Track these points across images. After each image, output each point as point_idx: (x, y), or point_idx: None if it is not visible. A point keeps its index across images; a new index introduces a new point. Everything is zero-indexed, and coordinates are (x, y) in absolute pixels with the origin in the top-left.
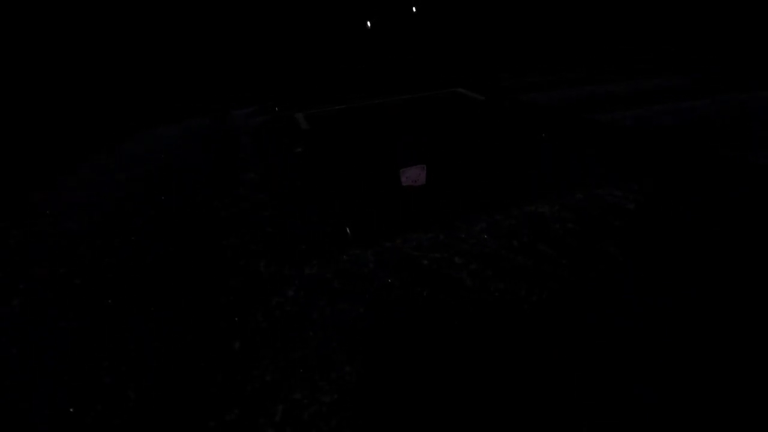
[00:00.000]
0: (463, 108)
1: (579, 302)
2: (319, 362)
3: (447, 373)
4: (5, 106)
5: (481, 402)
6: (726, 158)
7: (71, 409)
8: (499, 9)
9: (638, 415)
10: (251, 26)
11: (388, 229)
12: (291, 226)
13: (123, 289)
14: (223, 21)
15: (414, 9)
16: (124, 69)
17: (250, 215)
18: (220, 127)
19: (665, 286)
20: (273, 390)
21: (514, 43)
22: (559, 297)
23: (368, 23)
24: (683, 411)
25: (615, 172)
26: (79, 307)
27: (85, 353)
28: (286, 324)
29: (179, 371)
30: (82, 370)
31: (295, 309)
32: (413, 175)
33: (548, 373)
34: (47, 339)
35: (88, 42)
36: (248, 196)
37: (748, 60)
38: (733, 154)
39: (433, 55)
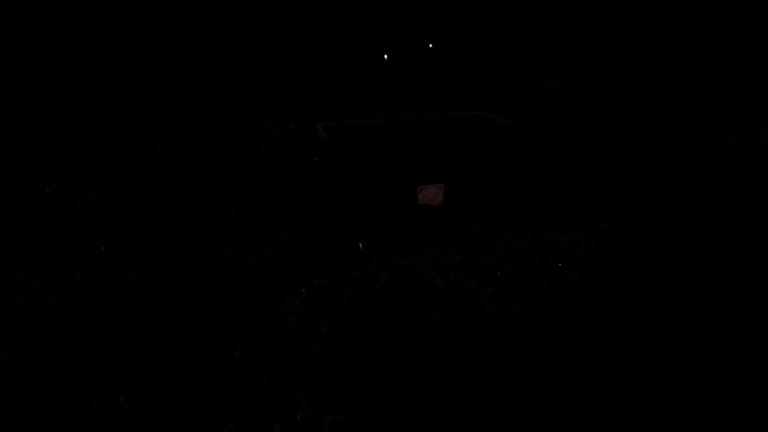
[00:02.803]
0: (485, 131)
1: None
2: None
3: (456, 394)
4: (32, 106)
5: (494, 418)
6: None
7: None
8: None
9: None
10: (274, 49)
11: (402, 246)
12: (303, 237)
13: (130, 287)
14: (246, 41)
15: (430, 45)
16: (143, 79)
17: (262, 224)
18: (237, 137)
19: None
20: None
21: (522, 59)
22: (576, 325)
23: (385, 56)
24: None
25: (624, 207)
26: (86, 305)
27: (85, 353)
28: (290, 336)
29: (178, 379)
30: (82, 370)
31: (301, 321)
32: (430, 195)
33: (558, 384)
34: (47, 339)
35: (116, 53)
36: (262, 204)
37: (747, 60)
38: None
39: (450, 82)
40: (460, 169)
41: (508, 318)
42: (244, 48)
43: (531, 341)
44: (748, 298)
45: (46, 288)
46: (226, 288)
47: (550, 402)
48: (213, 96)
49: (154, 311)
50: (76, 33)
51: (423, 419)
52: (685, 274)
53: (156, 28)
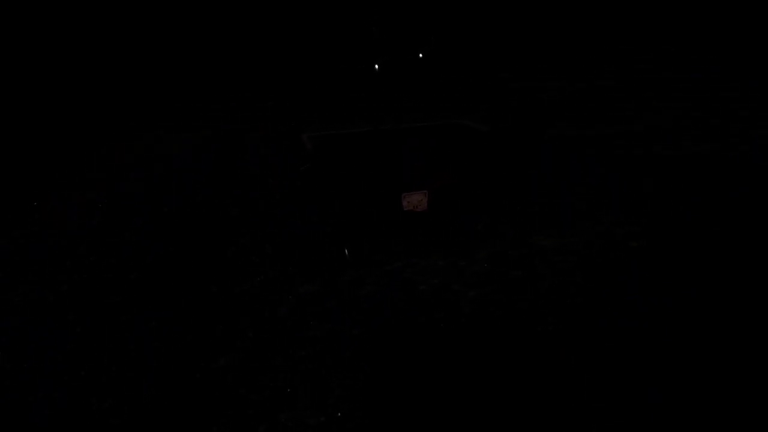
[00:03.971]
0: (466, 138)
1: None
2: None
3: (440, 395)
4: (31, 107)
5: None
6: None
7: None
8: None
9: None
10: (274, 51)
11: (387, 252)
12: (290, 244)
13: (130, 287)
14: (245, 43)
15: (420, 55)
16: (143, 82)
17: (262, 224)
18: (237, 137)
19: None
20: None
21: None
22: (557, 329)
23: (376, 66)
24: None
25: (624, 207)
26: (86, 306)
27: (85, 353)
28: (276, 341)
29: (178, 379)
30: (82, 369)
31: (288, 326)
32: (415, 201)
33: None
34: (47, 339)
35: (116, 59)
36: (262, 205)
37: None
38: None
39: (439, 90)
40: (443, 176)
41: (487, 320)
42: (244, 49)
43: (519, 341)
44: (747, 297)
45: (46, 288)
46: (226, 288)
47: (549, 402)
48: (213, 96)
49: (154, 311)
50: (76, 33)
51: (419, 421)
52: (685, 274)
53: (156, 29)
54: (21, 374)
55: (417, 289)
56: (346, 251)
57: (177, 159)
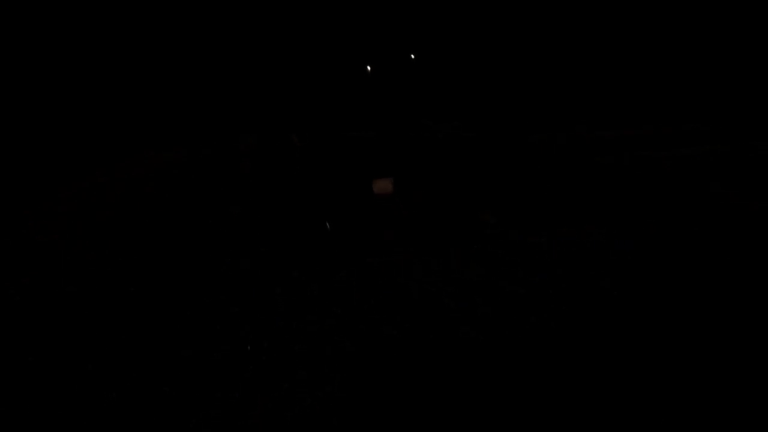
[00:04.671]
0: (453, 143)
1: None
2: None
3: (424, 386)
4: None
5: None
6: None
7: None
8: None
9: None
10: (264, 68)
11: (373, 247)
12: (282, 240)
13: (122, 291)
14: (237, 60)
15: (412, 56)
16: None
17: (242, 229)
18: (229, 148)
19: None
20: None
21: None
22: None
23: (368, 68)
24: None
25: (603, 211)
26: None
27: (82, 357)
28: (269, 335)
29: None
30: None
31: (281, 322)
32: (382, 186)
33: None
34: (48, 338)
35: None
36: (242, 213)
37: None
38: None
39: (429, 95)
40: (428, 179)
41: (473, 315)
42: (235, 53)
43: (503, 332)
44: (730, 293)
45: (41, 295)
46: (228, 287)
47: (545, 401)
48: (196, 112)
49: (162, 304)
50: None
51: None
52: (668, 273)
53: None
54: (11, 375)
55: (395, 282)
56: (334, 249)
57: (163, 176)
